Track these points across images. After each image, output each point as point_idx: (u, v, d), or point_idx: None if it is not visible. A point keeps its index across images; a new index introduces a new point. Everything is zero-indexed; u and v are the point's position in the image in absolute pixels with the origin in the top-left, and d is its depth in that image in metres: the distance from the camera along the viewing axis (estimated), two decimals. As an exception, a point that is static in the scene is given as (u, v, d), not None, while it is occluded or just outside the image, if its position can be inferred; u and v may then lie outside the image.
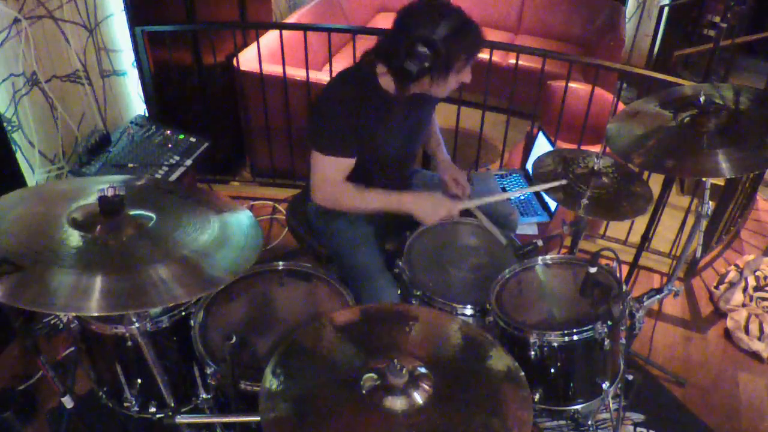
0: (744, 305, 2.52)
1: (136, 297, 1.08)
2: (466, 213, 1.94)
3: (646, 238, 2.59)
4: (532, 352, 1.48)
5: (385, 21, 4.47)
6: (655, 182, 2.46)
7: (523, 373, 1.18)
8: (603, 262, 1.54)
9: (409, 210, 1.73)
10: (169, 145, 2.49)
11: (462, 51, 1.56)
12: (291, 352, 1.21)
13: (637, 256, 2.60)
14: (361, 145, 1.71)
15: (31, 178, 2.24)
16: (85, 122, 2.49)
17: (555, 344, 1.48)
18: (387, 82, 1.68)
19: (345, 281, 1.69)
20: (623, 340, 1.59)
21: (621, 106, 2.62)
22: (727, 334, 2.48)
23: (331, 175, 1.71)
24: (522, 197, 2.38)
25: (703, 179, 1.64)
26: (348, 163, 1.71)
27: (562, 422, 1.98)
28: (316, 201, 1.77)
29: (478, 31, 1.59)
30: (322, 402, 1.10)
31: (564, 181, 1.75)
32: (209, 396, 1.42)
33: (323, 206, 1.78)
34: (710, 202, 1.69)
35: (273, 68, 2.90)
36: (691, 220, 1.82)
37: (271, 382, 1.12)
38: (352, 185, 1.73)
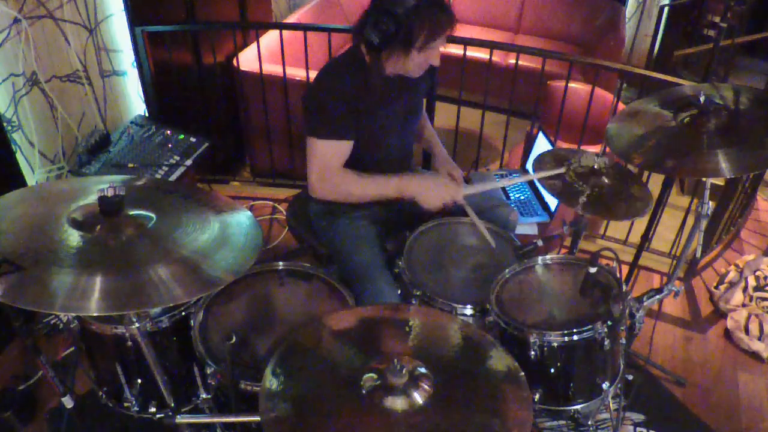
0: (744, 305, 2.52)
1: (136, 297, 1.08)
2: (466, 213, 1.94)
3: (646, 238, 2.59)
4: (532, 352, 1.48)
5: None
6: (655, 182, 2.46)
7: (523, 373, 1.18)
8: (603, 262, 1.54)
9: (411, 193, 1.74)
10: (169, 145, 2.49)
11: (424, 26, 1.56)
12: (291, 352, 1.21)
13: (637, 256, 2.60)
14: (359, 134, 1.71)
15: (31, 178, 2.24)
16: (85, 122, 2.49)
17: (555, 344, 1.48)
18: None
19: (345, 281, 1.69)
20: (623, 340, 1.59)
21: (621, 106, 2.62)
22: (727, 334, 2.48)
23: (330, 161, 1.70)
24: (522, 197, 2.38)
25: (703, 179, 1.64)
26: (346, 147, 1.71)
27: (562, 422, 1.98)
28: (315, 194, 1.76)
29: (445, 12, 1.59)
30: (322, 402, 1.10)
31: (563, 169, 1.74)
32: (209, 396, 1.42)
33: (324, 199, 1.77)
34: (710, 202, 1.69)
35: (273, 68, 2.90)
36: (691, 220, 1.83)
37: (271, 382, 1.12)
38: (352, 171, 1.73)
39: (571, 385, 1.55)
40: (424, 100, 2.01)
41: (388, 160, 1.85)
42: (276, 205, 3.13)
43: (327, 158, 1.70)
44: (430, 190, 1.73)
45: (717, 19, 4.28)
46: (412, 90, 1.81)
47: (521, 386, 1.15)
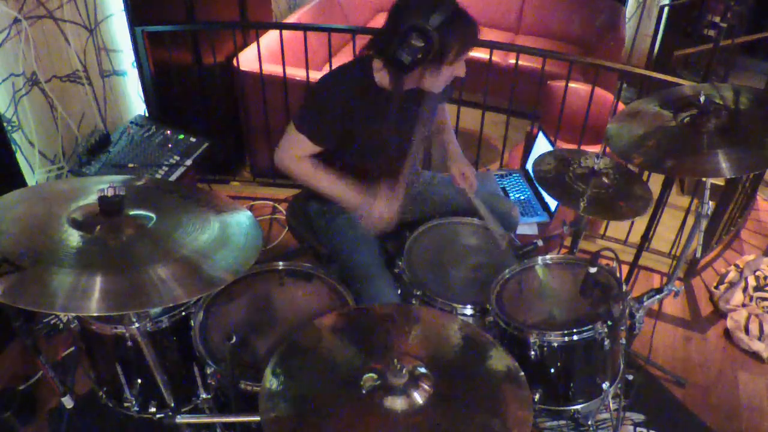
0: (744, 305, 2.52)
1: (136, 297, 1.08)
2: (467, 213, 1.94)
3: (646, 238, 2.59)
4: (532, 352, 1.48)
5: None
6: (655, 182, 2.46)
7: (523, 373, 1.18)
8: (603, 262, 1.54)
9: (348, 206, 1.79)
10: (169, 145, 2.49)
11: (455, 41, 1.56)
12: (291, 352, 1.21)
13: (637, 256, 2.60)
14: (353, 141, 1.73)
15: (31, 178, 2.24)
16: (85, 122, 2.49)
17: (555, 344, 1.48)
18: (382, 78, 1.68)
19: (345, 281, 1.69)
20: (623, 340, 1.59)
21: (621, 106, 2.62)
22: (727, 334, 2.48)
23: (296, 150, 1.76)
24: (522, 197, 2.38)
25: (703, 179, 1.64)
26: (315, 149, 1.75)
27: (562, 422, 1.98)
28: (275, 161, 1.81)
29: (472, 23, 1.60)
30: (322, 402, 1.10)
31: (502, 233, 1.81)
32: (209, 396, 1.42)
33: (277, 166, 1.82)
34: (710, 202, 1.69)
35: (273, 68, 2.90)
36: (691, 220, 1.82)
37: (271, 382, 1.12)
38: (312, 163, 1.78)
39: (571, 385, 1.55)
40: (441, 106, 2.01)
41: (389, 160, 1.85)
42: (276, 205, 3.13)
43: (294, 146, 1.76)
44: (368, 213, 1.77)
45: (717, 19, 4.28)
46: (426, 100, 1.81)
47: (521, 386, 1.15)
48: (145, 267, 1.13)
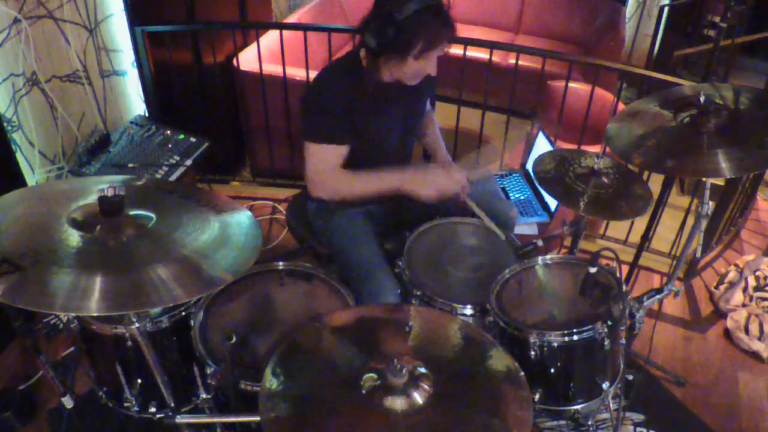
0: (744, 305, 2.52)
1: (136, 297, 1.08)
2: (466, 213, 1.94)
3: (646, 238, 2.59)
4: (532, 352, 1.48)
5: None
6: (655, 182, 2.46)
7: (523, 373, 1.18)
8: (603, 262, 1.54)
9: (408, 187, 1.74)
10: (169, 145, 2.49)
11: (420, 35, 1.56)
12: (291, 352, 1.21)
13: (637, 256, 2.60)
14: (358, 137, 1.72)
15: (31, 178, 2.24)
16: (85, 122, 2.49)
17: (555, 344, 1.48)
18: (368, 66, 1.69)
19: (345, 281, 1.69)
20: (623, 340, 1.59)
21: (621, 106, 2.62)
22: (727, 334, 2.48)
23: (326, 165, 1.73)
24: (522, 197, 2.38)
25: (703, 179, 1.64)
26: (342, 151, 1.72)
27: (562, 422, 1.98)
28: (314, 194, 1.77)
29: (447, 24, 1.59)
30: (322, 402, 1.10)
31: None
32: (209, 396, 1.42)
33: (322, 198, 1.78)
34: (710, 202, 1.69)
35: (273, 68, 2.90)
36: (691, 220, 1.83)
37: (271, 382, 1.12)
38: (347, 172, 1.74)
39: (571, 385, 1.55)
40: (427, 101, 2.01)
41: (387, 161, 1.85)
42: (276, 205, 3.13)
43: (321, 162, 1.72)
44: (427, 180, 1.73)
45: (717, 19, 4.28)
46: (413, 94, 1.81)
47: (521, 386, 1.15)
48: (145, 267, 1.13)
